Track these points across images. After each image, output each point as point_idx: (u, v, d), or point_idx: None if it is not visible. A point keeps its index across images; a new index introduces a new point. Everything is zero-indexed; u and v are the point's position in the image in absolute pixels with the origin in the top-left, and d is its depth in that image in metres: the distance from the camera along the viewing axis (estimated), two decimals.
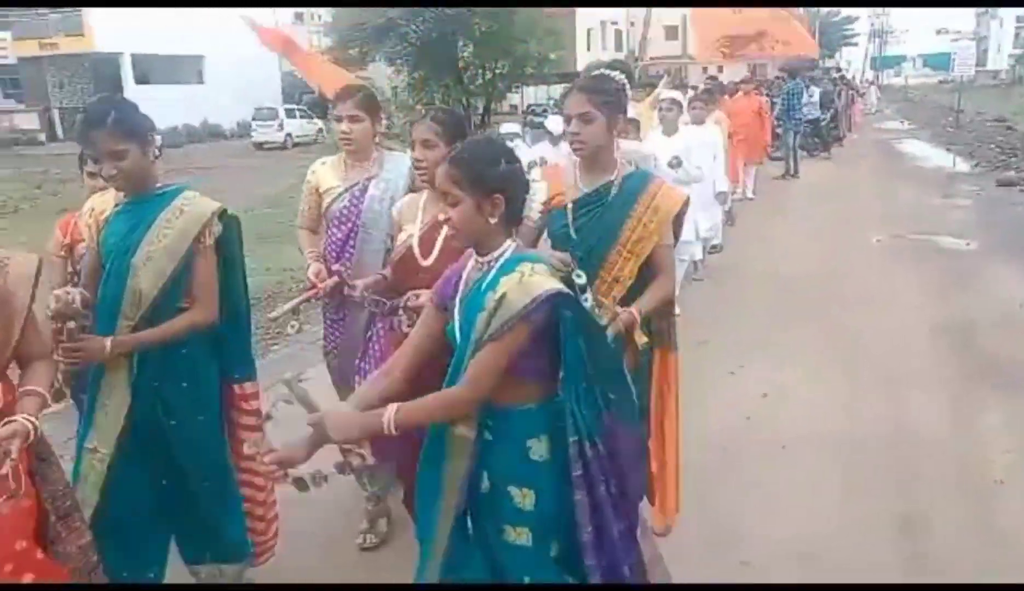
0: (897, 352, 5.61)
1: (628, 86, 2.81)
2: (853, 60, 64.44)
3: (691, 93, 9.20)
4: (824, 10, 65.20)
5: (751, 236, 9.64)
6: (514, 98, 40.16)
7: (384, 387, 2.10)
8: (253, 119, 30.98)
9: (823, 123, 17.15)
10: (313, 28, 42.14)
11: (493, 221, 2.01)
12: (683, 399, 4.86)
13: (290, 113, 31.47)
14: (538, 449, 2.04)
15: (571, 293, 1.97)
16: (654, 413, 3.03)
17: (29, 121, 32.39)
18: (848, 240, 9.24)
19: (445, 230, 2.39)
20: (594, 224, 2.71)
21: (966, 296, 6.95)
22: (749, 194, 11.87)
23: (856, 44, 65.77)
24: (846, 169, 15.91)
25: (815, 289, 7.15)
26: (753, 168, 12.20)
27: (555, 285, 1.93)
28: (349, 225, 3.31)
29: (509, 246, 2.05)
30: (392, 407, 1.94)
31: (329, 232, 3.38)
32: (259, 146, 29.28)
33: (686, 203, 2.83)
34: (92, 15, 30.84)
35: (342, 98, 3.34)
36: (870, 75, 51.21)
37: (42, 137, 31.78)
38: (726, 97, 11.65)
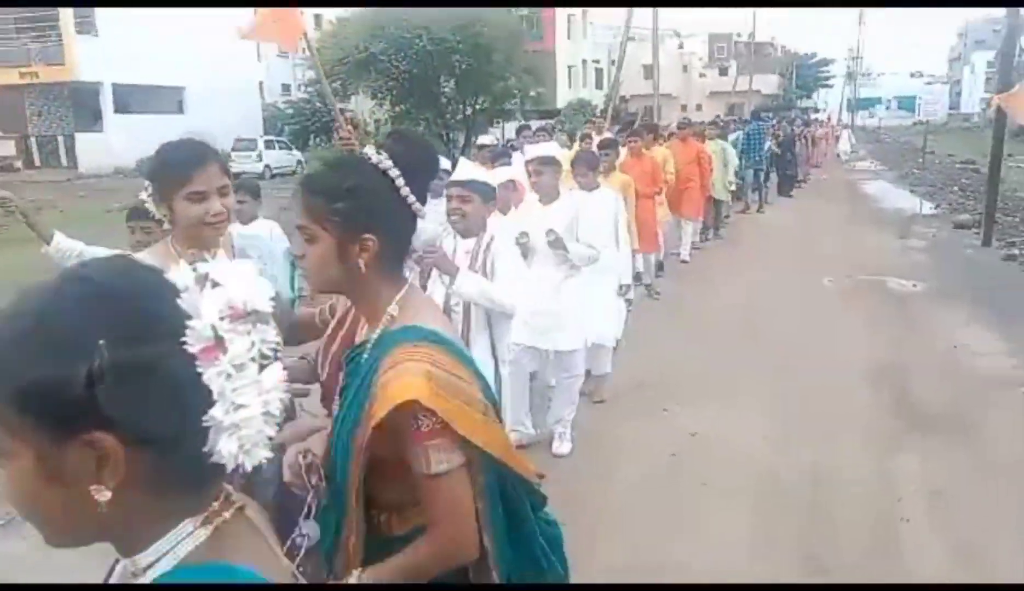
0: (828, 392, 5.74)
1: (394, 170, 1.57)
2: (830, 101, 65.84)
3: (584, 143, 8.04)
4: (801, 51, 66.93)
5: (698, 274, 9.86)
6: (496, 133, 40.74)
7: None
8: (232, 150, 31.09)
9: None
10: (297, 61, 42.56)
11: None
12: (614, 438, 5.01)
13: (269, 144, 31.71)
14: None
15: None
16: None
17: (6, 148, 32.42)
18: (799, 281, 9.43)
19: (340, 335, 2.04)
20: (340, 415, 1.62)
21: (903, 337, 7.13)
22: (684, 256, 10.61)
23: (832, 86, 67.27)
24: (808, 209, 16.23)
25: (758, 330, 7.30)
26: (690, 225, 10.82)
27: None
28: None
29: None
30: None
31: None
32: (237, 176, 29.28)
33: (408, 407, 1.45)
34: (74, 45, 31.06)
35: (200, 162, 2.16)
36: (845, 118, 52.07)
37: (18, 164, 31.80)
38: (658, 144, 9.97)
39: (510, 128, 38.95)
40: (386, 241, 1.54)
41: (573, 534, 3.78)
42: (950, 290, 8.88)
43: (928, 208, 16.09)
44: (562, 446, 4.81)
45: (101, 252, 3.47)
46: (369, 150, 1.57)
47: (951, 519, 4.05)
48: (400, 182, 1.53)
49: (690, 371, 6.24)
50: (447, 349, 1.53)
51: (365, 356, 1.59)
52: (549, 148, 4.62)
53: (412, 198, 1.55)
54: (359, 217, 1.51)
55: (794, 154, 18.65)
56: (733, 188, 13.35)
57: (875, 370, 6.25)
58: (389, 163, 1.53)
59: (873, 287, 9.19)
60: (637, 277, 8.03)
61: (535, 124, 26.02)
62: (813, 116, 40.50)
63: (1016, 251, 11.02)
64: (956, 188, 19.20)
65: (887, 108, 61.07)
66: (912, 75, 77.19)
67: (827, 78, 68.39)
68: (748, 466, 4.59)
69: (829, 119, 39.46)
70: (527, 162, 4.53)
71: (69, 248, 3.48)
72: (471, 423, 1.49)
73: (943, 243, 12.15)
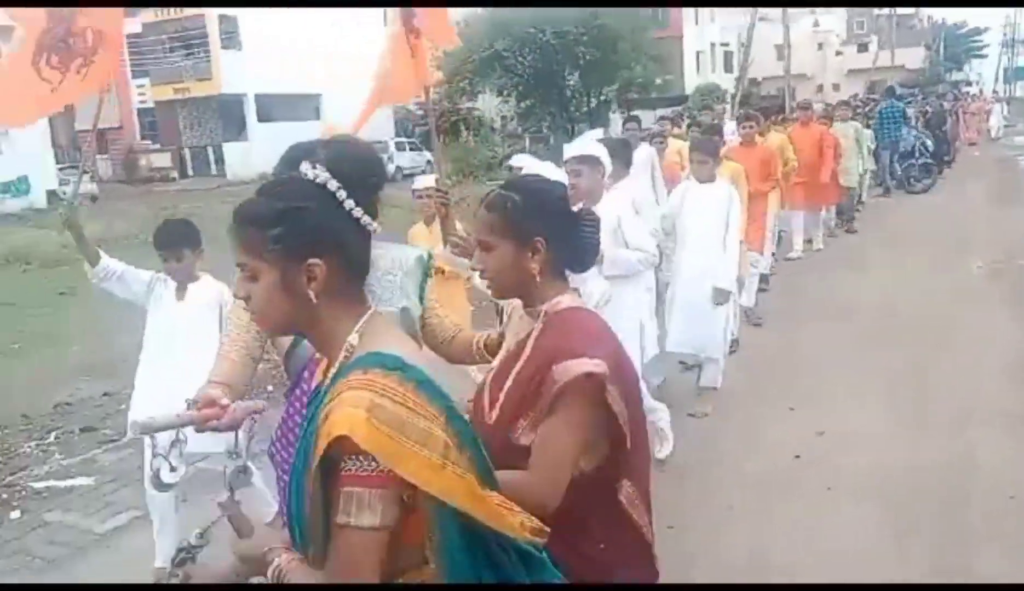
0: (968, 389, 5.31)
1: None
2: (984, 73, 61.30)
3: (690, 133, 8.23)
4: (949, 21, 62.53)
5: (836, 262, 9.42)
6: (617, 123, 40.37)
7: None
8: None
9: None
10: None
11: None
12: (737, 434, 4.85)
13: (400, 146, 32.66)
14: None
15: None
16: None
17: (163, 160, 34.88)
18: (944, 267, 8.80)
19: (516, 369, 1.79)
20: (293, 464, 1.50)
21: None
22: (818, 245, 10.28)
23: (986, 55, 62.53)
24: (959, 189, 15.12)
25: (896, 320, 6.86)
26: (820, 215, 10.40)
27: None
28: None
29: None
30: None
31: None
32: None
33: (338, 443, 1.25)
34: (220, 60, 33.03)
35: None
36: (999, 90, 48.13)
37: (174, 174, 34.14)
38: (772, 130, 9.51)
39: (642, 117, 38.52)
40: (336, 264, 1.35)
41: (692, 533, 3.72)
42: None
43: None
44: (662, 450, 4.46)
45: (141, 274, 3.58)
46: (304, 166, 1.38)
47: None
48: (343, 195, 1.35)
49: (820, 365, 5.95)
50: (406, 377, 1.29)
51: (322, 394, 1.37)
52: (586, 146, 3.93)
53: (359, 211, 1.37)
54: (300, 241, 1.33)
55: (944, 131, 17.34)
56: (866, 174, 12.48)
57: (1019, 363, 5.71)
58: (327, 175, 1.36)
59: None
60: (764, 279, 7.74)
61: (661, 112, 25.51)
62: (964, 89, 37.73)
63: None
64: None
65: None
66: None
67: (980, 48, 63.56)
68: (878, 468, 4.31)
69: (982, 92, 36.46)
70: (564, 162, 3.88)
71: (111, 269, 3.50)
72: (421, 466, 1.25)
73: None
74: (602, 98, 35.83)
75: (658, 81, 36.81)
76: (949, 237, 10.50)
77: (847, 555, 3.55)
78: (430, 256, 2.49)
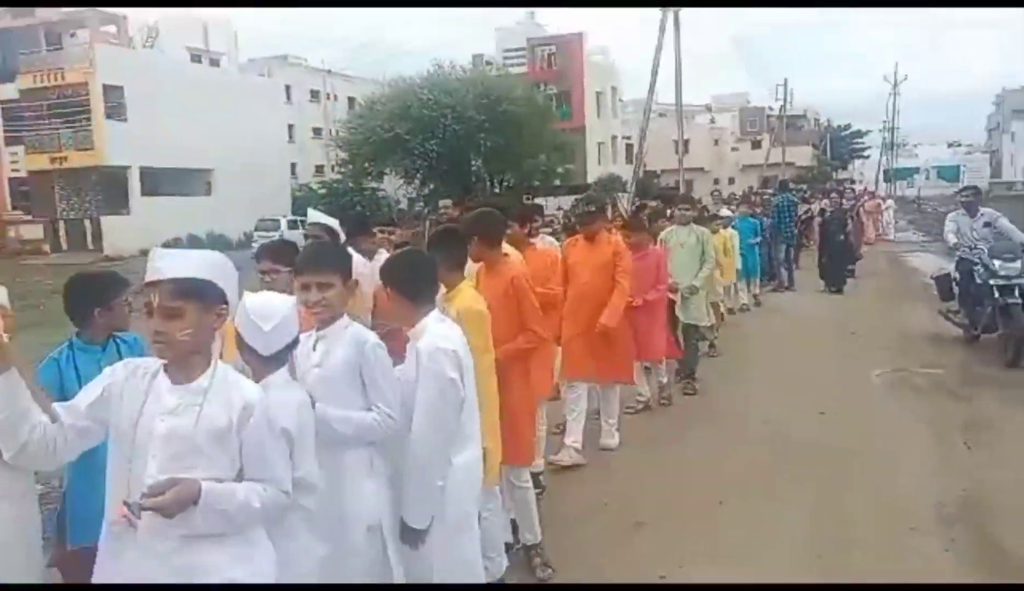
0: (888, 542, 4.49)
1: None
2: (865, 172, 64.89)
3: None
4: (833, 123, 66.29)
5: (726, 370, 8.59)
6: None
7: None
8: (255, 229, 31.36)
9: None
10: (328, 141, 42.90)
11: None
12: None
13: (292, 224, 31.54)
14: None
15: None
16: None
17: (34, 232, 32.74)
18: (842, 376, 8.16)
19: None
20: None
21: (978, 456, 5.81)
22: (606, 442, 6.07)
23: (867, 156, 66.42)
24: (849, 288, 14.80)
25: (791, 445, 6.04)
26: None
27: None
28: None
29: None
30: None
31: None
32: None
33: None
34: (103, 130, 31.45)
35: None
36: (883, 189, 50.42)
37: (46, 247, 32.02)
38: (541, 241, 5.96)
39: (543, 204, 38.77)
40: None
41: None
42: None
43: None
44: None
45: None
46: None
47: None
48: None
49: (702, 510, 4.95)
50: None
51: None
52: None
53: None
54: None
55: (846, 234, 15.05)
56: (723, 302, 10.27)
57: (942, 507, 4.86)
58: None
59: (931, 383, 7.89)
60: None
61: (563, 201, 25.09)
62: (851, 186, 39.07)
63: None
64: None
65: (926, 178, 59.99)
66: (949, 145, 76.34)
67: (862, 149, 67.53)
68: None
69: (874, 193, 37.29)
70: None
71: None
72: None
73: None
74: (504, 184, 35.72)
75: (560, 170, 37.08)
76: (845, 341, 10.03)
77: None
78: None
